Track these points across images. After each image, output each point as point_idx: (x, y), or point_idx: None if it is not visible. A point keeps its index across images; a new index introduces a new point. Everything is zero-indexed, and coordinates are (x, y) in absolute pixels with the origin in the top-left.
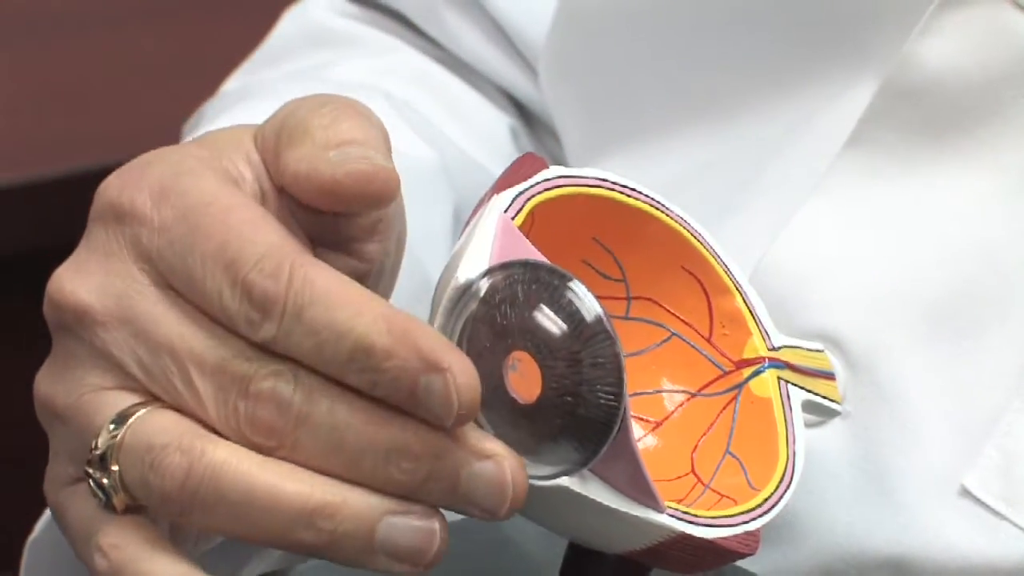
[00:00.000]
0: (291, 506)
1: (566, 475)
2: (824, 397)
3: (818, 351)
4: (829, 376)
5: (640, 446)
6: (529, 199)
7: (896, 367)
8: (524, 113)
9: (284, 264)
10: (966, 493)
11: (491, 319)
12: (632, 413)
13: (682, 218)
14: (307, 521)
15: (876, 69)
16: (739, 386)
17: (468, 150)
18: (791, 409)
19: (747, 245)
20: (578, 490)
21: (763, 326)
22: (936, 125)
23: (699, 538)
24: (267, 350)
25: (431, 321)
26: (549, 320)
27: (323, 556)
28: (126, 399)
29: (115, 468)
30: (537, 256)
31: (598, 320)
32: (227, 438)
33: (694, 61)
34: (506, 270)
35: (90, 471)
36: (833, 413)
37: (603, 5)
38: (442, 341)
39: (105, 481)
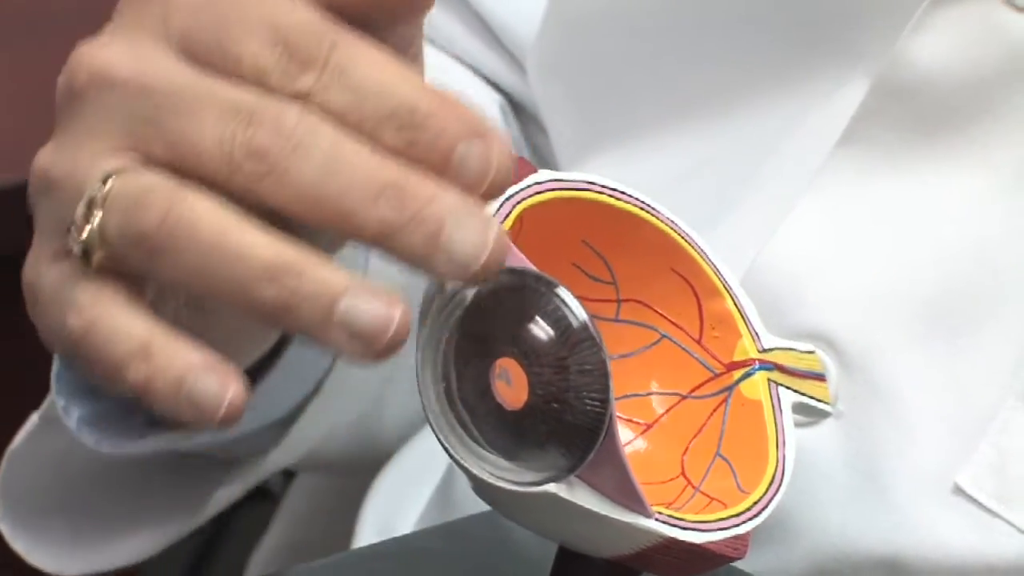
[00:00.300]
0: (259, 258)
1: (553, 481)
2: (814, 399)
3: (809, 352)
4: (820, 377)
5: (630, 449)
6: (517, 203)
7: (890, 366)
8: (511, 102)
9: (328, 30)
10: (960, 491)
11: (478, 326)
12: (622, 415)
13: (672, 221)
14: (271, 276)
15: (868, 67)
16: (729, 388)
17: None
18: (781, 411)
19: (740, 244)
20: (565, 496)
21: (753, 328)
22: (928, 123)
23: (687, 543)
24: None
25: (419, 327)
26: (536, 327)
27: (282, 319)
28: (122, 159)
29: (96, 219)
30: (524, 263)
31: (584, 327)
32: (215, 177)
33: (686, 60)
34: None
35: (72, 224)
36: (824, 415)
37: (594, 4)
38: (484, 115)
39: (85, 233)
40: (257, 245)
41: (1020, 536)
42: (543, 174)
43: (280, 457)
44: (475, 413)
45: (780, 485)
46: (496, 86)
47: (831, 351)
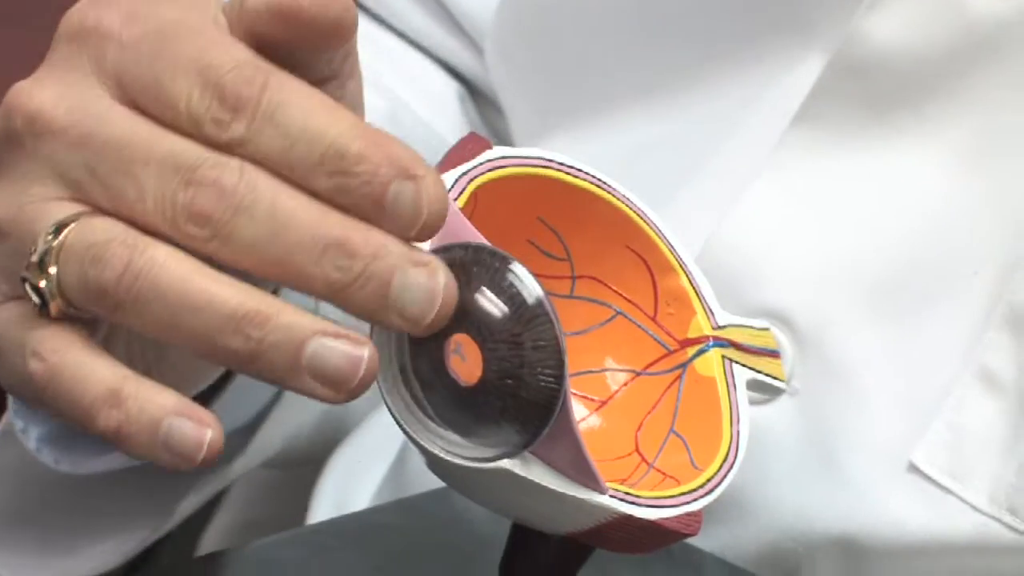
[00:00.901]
0: (224, 308)
1: (508, 457)
2: (769, 376)
3: (763, 329)
4: (774, 354)
5: (584, 425)
6: (472, 180)
7: (844, 343)
8: (469, 87)
9: (258, 71)
10: (914, 468)
11: None
12: (576, 392)
13: (627, 197)
14: (236, 327)
15: (824, 46)
16: (683, 365)
17: (417, 110)
18: (735, 388)
19: (696, 222)
20: (520, 472)
21: (708, 305)
22: (883, 101)
23: (641, 519)
24: (224, 151)
25: None
26: (490, 303)
27: (250, 368)
28: (69, 208)
29: (53, 270)
30: (479, 238)
31: (539, 303)
32: (161, 233)
33: (641, 38)
34: (447, 252)
35: (27, 275)
36: (778, 391)
37: None
38: (415, 154)
39: (42, 284)
40: (219, 295)
41: (974, 513)
42: (497, 150)
43: (246, 462)
44: (429, 389)
45: (734, 462)
46: (455, 71)
47: (786, 328)
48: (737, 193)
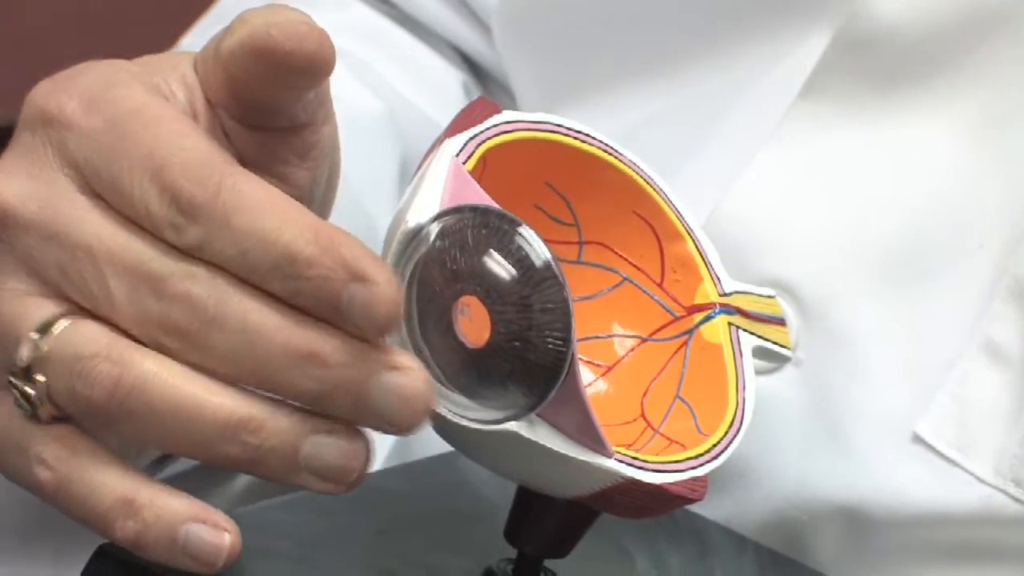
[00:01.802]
0: (215, 418)
1: (514, 419)
2: (775, 343)
3: (769, 297)
4: (780, 322)
5: (590, 391)
6: (481, 143)
7: (849, 314)
8: (476, 70)
9: (213, 171)
10: (918, 440)
11: (441, 263)
12: (583, 357)
13: (635, 164)
14: (232, 435)
15: (830, 20)
16: (690, 331)
17: (418, 104)
18: (741, 355)
19: (702, 194)
20: (526, 435)
21: (714, 272)
22: (889, 74)
23: (647, 483)
24: (187, 256)
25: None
26: (498, 265)
27: (250, 471)
28: (47, 307)
29: (41, 379)
30: (487, 201)
31: (547, 265)
32: (139, 342)
33: (648, 14)
34: (456, 214)
35: (14, 382)
36: (784, 359)
37: None
38: (367, 253)
39: (31, 392)
40: (211, 404)
41: (978, 484)
42: (506, 114)
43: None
44: (437, 350)
45: (740, 428)
46: (464, 55)
47: (791, 299)
48: (743, 166)
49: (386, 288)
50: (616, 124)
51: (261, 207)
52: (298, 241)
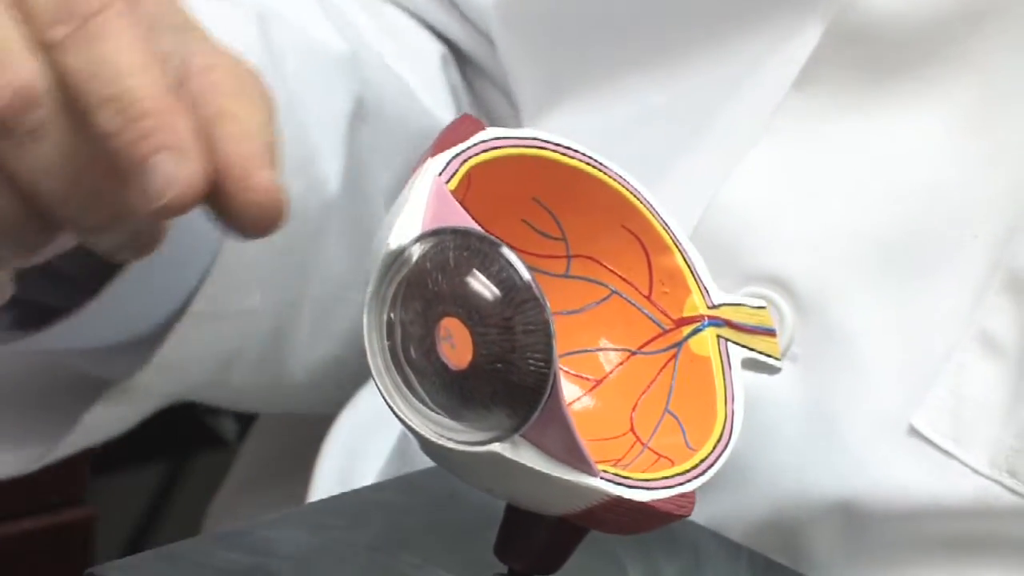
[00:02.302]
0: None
1: (498, 441)
2: (764, 354)
3: (759, 308)
4: (769, 333)
5: (579, 405)
6: (465, 161)
7: (845, 308)
8: (465, 60)
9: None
10: (914, 432)
11: (423, 285)
12: (571, 372)
13: (621, 176)
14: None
15: (823, 12)
16: (678, 344)
17: (387, 56)
18: (730, 367)
19: (696, 188)
20: (510, 456)
21: (703, 284)
22: (883, 66)
23: (633, 501)
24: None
25: (365, 285)
26: (480, 287)
27: None
28: None
29: None
30: (469, 222)
31: (528, 287)
32: None
33: (641, 8)
34: (437, 236)
35: None
36: (773, 370)
37: None
38: (197, 135)
39: None
40: None
41: (974, 476)
42: (490, 131)
43: (156, 380)
44: (420, 372)
45: (728, 442)
46: (444, 38)
47: (786, 294)
48: (736, 160)
49: (193, 169)
50: (612, 118)
51: (130, 47)
52: (147, 87)
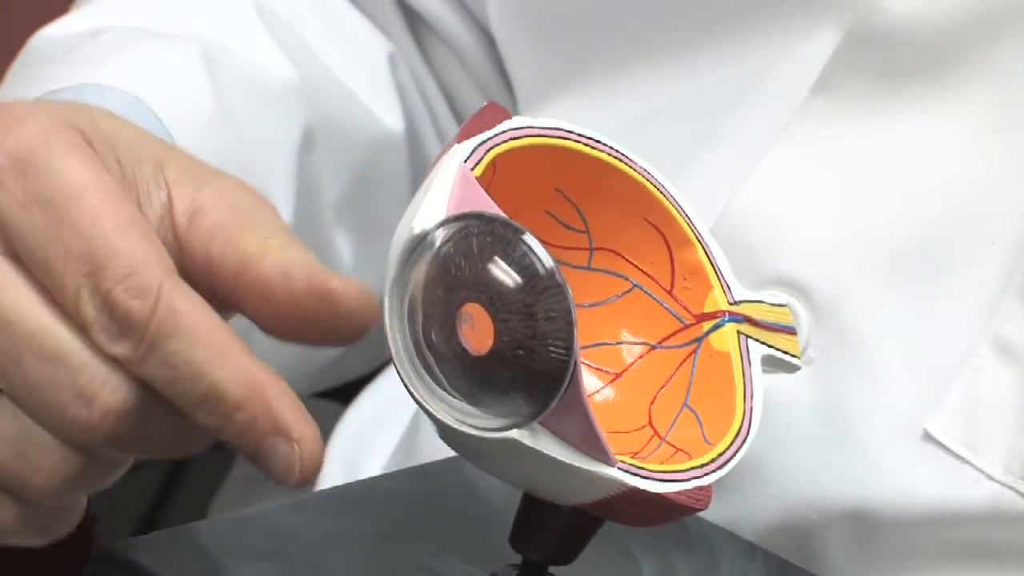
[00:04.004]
0: None
1: (517, 428)
2: (784, 352)
3: (780, 305)
4: (790, 331)
5: (598, 398)
6: (490, 149)
7: (860, 312)
8: (420, 33)
9: (152, 285)
10: (929, 438)
11: (445, 270)
12: (591, 364)
13: (646, 170)
14: None
15: (839, 15)
16: (699, 339)
17: (335, 70)
18: (750, 364)
19: (713, 191)
20: (528, 443)
21: (724, 280)
22: (902, 71)
23: (650, 492)
24: (112, 361)
25: (387, 270)
26: (503, 273)
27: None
28: None
29: None
30: (493, 208)
31: (551, 274)
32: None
33: (650, 5)
34: (461, 222)
35: None
36: (792, 368)
37: None
38: (295, 406)
39: None
40: None
41: (988, 482)
42: (516, 120)
43: None
44: (440, 358)
45: (746, 438)
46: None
47: (802, 298)
48: (753, 162)
49: (309, 447)
50: (620, 115)
51: (196, 334)
52: (228, 381)
